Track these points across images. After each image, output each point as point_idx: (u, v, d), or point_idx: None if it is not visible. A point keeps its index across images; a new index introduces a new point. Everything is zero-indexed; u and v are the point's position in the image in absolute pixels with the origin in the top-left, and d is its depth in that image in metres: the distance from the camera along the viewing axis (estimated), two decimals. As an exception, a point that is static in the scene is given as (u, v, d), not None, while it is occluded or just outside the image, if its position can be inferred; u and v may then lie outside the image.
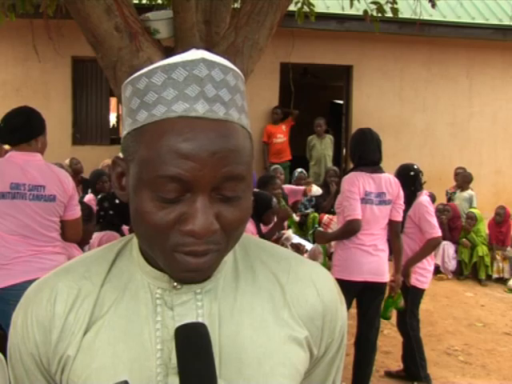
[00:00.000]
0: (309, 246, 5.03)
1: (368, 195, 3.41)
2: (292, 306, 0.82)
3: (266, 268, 0.85)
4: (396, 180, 3.56)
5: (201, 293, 0.79)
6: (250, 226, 4.45)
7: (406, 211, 3.80)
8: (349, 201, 3.39)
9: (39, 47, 7.00)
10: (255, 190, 4.98)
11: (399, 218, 3.58)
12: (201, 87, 0.70)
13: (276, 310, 0.82)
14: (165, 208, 0.71)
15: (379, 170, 3.52)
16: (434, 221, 3.82)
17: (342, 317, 0.87)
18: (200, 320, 0.77)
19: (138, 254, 0.83)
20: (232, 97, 0.72)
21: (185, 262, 0.72)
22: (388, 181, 3.49)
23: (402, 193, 3.55)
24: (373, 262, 3.43)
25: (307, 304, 0.83)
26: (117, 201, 3.67)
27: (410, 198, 3.84)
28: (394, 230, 3.61)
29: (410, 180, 3.90)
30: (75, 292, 0.81)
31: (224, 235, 0.73)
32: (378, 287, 3.48)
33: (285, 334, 0.81)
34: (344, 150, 9.53)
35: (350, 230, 3.41)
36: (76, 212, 2.96)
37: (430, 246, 3.80)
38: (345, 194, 3.42)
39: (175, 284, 0.79)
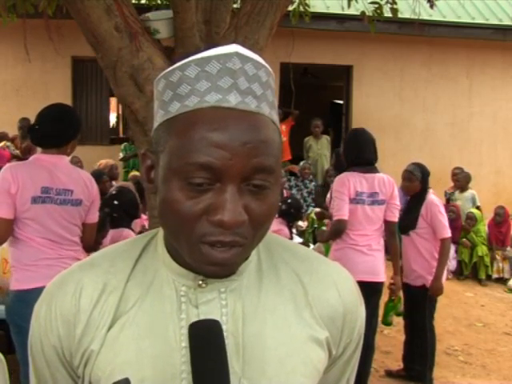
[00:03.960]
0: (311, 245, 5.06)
1: (359, 195, 3.41)
2: (314, 306, 0.83)
3: (289, 268, 0.85)
4: (391, 180, 3.55)
5: (225, 292, 0.80)
6: (285, 228, 4.54)
7: (418, 210, 3.82)
8: (336, 201, 3.42)
9: (39, 47, 7.00)
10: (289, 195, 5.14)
11: (394, 219, 3.58)
12: (234, 79, 0.72)
13: (298, 309, 0.82)
14: (194, 198, 0.71)
15: (373, 170, 3.51)
16: (445, 221, 3.86)
17: (361, 318, 0.88)
18: (224, 319, 0.77)
19: (164, 251, 0.82)
20: (263, 91, 0.74)
21: (210, 255, 0.72)
22: (382, 181, 3.49)
23: (396, 193, 3.56)
24: (367, 261, 3.43)
25: (328, 305, 0.84)
26: (116, 202, 3.66)
27: (423, 196, 3.86)
28: (390, 231, 3.61)
29: (428, 179, 3.93)
30: (100, 287, 0.81)
31: (251, 229, 0.73)
32: (373, 287, 3.47)
33: (306, 333, 0.81)
34: (344, 150, 9.54)
35: (337, 229, 3.44)
36: (95, 216, 2.95)
37: (447, 247, 3.88)
38: (333, 194, 3.46)
39: (200, 282, 0.79)
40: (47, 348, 0.82)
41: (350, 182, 3.40)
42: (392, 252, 3.66)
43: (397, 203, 3.56)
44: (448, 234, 3.82)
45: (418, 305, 3.88)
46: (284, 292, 0.83)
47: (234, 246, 0.72)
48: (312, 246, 5.06)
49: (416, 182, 3.86)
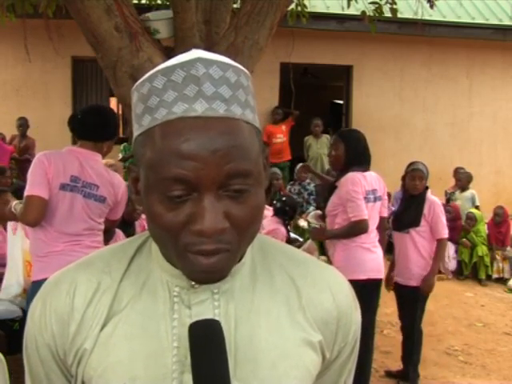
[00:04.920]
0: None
1: (368, 194, 3.42)
2: (307, 309, 0.83)
3: (284, 271, 0.85)
4: (379, 176, 3.59)
5: (218, 293, 0.80)
6: (281, 227, 4.50)
7: (421, 209, 3.82)
8: (355, 201, 3.34)
9: (39, 47, 7.00)
10: (284, 196, 5.07)
11: (386, 214, 3.68)
12: (198, 86, 0.71)
13: (291, 313, 0.82)
14: (174, 209, 0.71)
15: (368, 168, 3.54)
16: (445, 221, 3.90)
17: (356, 321, 0.88)
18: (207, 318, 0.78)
19: (157, 252, 0.83)
20: (233, 93, 0.72)
21: (197, 263, 0.73)
22: (375, 178, 3.53)
23: (386, 188, 3.63)
24: (374, 259, 3.44)
25: (322, 308, 0.84)
26: None
27: (424, 195, 3.87)
28: (383, 226, 3.67)
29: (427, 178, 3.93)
30: (94, 286, 0.82)
31: (235, 234, 0.73)
32: (377, 284, 3.50)
33: (299, 336, 0.81)
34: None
35: (358, 230, 3.37)
36: (118, 215, 3.05)
37: (445, 247, 3.94)
38: (349, 194, 3.36)
39: (193, 283, 0.79)
40: (41, 347, 0.82)
41: (361, 182, 3.39)
42: (381, 243, 3.68)
43: (386, 198, 3.69)
44: (446, 234, 3.86)
45: (411, 305, 3.87)
46: (278, 295, 0.83)
47: (219, 253, 0.72)
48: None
49: (424, 181, 3.88)
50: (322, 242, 3.94)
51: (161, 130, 0.71)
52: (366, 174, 3.47)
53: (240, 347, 0.77)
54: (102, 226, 2.92)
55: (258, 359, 0.78)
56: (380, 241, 3.59)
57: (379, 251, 3.51)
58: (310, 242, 4.44)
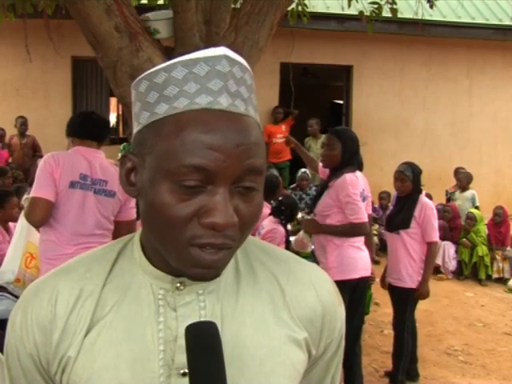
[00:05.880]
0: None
1: (362, 194, 3.44)
2: (292, 307, 0.83)
3: (266, 269, 0.85)
4: (363, 175, 3.59)
5: (203, 293, 0.79)
6: (279, 227, 4.47)
7: (412, 211, 3.81)
8: (356, 204, 3.34)
9: (39, 47, 6.99)
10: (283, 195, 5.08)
11: (370, 211, 3.74)
12: (224, 82, 0.71)
13: (276, 310, 0.82)
14: (184, 200, 0.70)
15: (361, 168, 3.56)
16: (437, 225, 3.88)
17: (341, 317, 0.88)
18: (203, 320, 0.77)
19: (140, 254, 0.82)
20: (249, 95, 0.75)
21: (199, 258, 0.72)
22: (363, 178, 3.55)
23: (368, 187, 3.65)
24: (364, 257, 3.47)
25: (306, 306, 0.84)
26: None
27: (416, 197, 3.85)
28: (369, 223, 3.69)
29: (420, 178, 3.91)
30: (76, 292, 0.80)
31: (238, 231, 0.73)
32: (367, 281, 3.55)
33: (285, 334, 0.81)
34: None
35: (357, 232, 3.38)
36: (131, 214, 3.01)
37: (435, 250, 3.90)
38: (350, 196, 3.35)
39: (178, 285, 0.79)
40: (24, 357, 0.80)
41: (358, 182, 3.40)
42: (368, 243, 3.68)
43: (371, 196, 3.72)
44: (437, 238, 3.84)
45: (401, 305, 3.87)
46: (262, 293, 0.83)
47: (223, 249, 0.72)
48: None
49: (407, 183, 3.85)
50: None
51: (182, 119, 0.70)
52: (357, 173, 3.48)
53: (226, 346, 0.76)
54: (112, 226, 2.91)
55: (245, 358, 0.78)
56: (366, 239, 3.61)
57: (366, 249, 3.54)
58: (302, 232, 4.35)
